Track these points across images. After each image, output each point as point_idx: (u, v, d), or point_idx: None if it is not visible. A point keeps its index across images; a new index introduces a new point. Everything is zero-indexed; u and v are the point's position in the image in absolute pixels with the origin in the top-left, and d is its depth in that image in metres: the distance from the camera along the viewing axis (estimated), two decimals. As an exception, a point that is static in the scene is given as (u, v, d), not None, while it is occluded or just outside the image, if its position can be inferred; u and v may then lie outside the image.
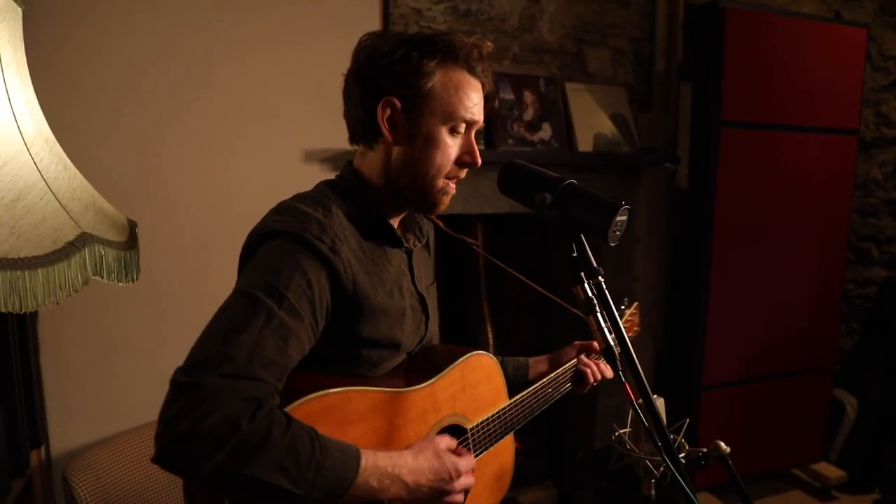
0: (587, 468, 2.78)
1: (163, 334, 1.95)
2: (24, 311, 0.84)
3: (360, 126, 1.02)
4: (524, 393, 1.21)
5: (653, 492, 1.21)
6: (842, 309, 3.05)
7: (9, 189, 0.86)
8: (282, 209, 0.96)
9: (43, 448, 1.78)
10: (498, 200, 2.28)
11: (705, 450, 1.09)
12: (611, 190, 2.58)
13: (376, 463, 0.84)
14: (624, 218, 0.84)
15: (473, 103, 1.00)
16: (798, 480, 2.94)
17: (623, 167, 2.64)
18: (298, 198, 1.00)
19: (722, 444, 1.07)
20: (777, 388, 2.82)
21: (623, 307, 1.47)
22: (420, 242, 1.15)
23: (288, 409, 0.82)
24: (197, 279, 1.96)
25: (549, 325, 2.84)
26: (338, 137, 1.08)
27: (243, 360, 0.77)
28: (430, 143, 0.99)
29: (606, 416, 2.71)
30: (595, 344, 1.37)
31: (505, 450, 1.21)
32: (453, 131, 1.00)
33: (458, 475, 0.95)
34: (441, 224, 1.24)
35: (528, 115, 2.45)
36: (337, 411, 0.89)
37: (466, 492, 1.00)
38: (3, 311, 0.81)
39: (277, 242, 0.90)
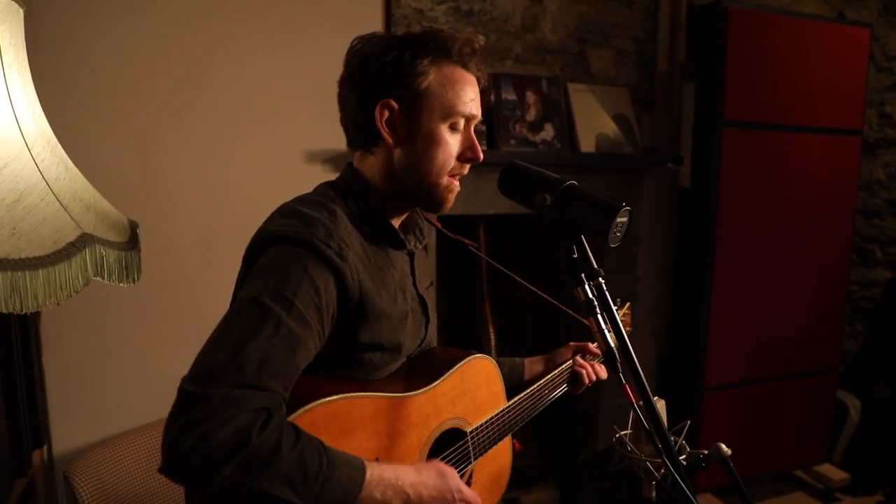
0: (589, 469, 2.78)
1: (164, 334, 1.96)
2: (24, 311, 0.84)
3: (359, 131, 1.01)
4: (521, 395, 1.21)
5: (654, 493, 1.20)
6: (845, 310, 3.04)
7: (10, 190, 0.87)
8: (287, 213, 0.95)
9: (45, 448, 1.79)
10: (499, 201, 2.26)
11: (706, 452, 1.09)
12: (613, 190, 2.57)
13: (381, 475, 0.84)
14: (624, 219, 0.84)
15: (470, 98, 1.00)
16: (801, 482, 2.93)
17: (626, 167, 2.64)
18: (302, 200, 0.99)
19: (723, 446, 1.07)
20: (780, 389, 2.81)
21: (615, 307, 1.47)
22: (421, 244, 1.15)
23: (293, 416, 0.82)
24: (198, 279, 1.97)
25: (551, 325, 2.84)
26: (339, 138, 1.08)
27: (252, 369, 0.76)
28: (431, 142, 0.98)
29: (609, 418, 2.71)
30: (590, 345, 1.37)
31: (503, 451, 1.21)
32: (453, 128, 1.00)
33: (462, 497, 0.94)
34: (439, 225, 1.23)
35: (531, 115, 2.45)
36: (341, 418, 0.89)
37: None
38: (4, 311, 0.82)
39: (285, 248, 0.88)
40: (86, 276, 0.93)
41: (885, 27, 3.17)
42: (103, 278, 0.98)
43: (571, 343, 1.39)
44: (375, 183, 1.03)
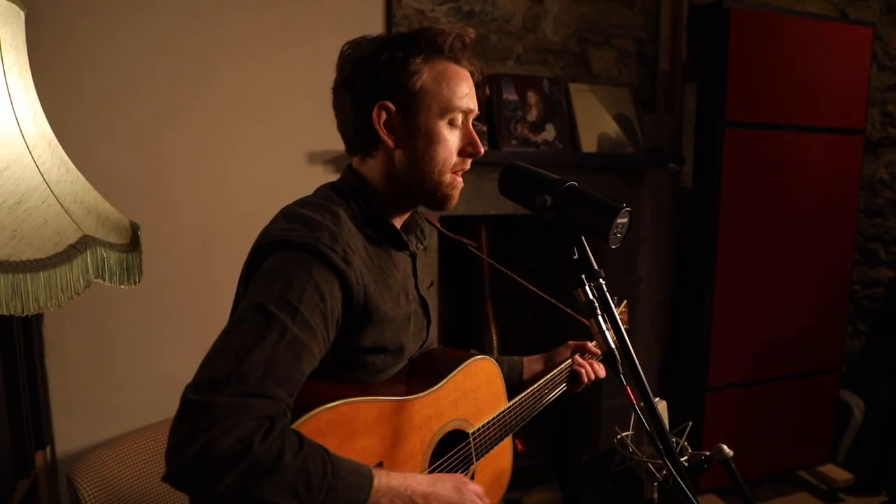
0: (592, 470, 2.77)
1: (166, 335, 1.96)
2: (26, 313, 0.84)
3: (357, 136, 1.01)
4: (522, 395, 1.21)
5: (656, 495, 1.20)
6: (848, 310, 3.03)
7: (11, 192, 0.87)
8: (290, 216, 0.94)
9: (48, 449, 1.79)
10: (501, 202, 2.26)
11: (708, 453, 1.09)
12: (614, 191, 2.57)
13: (389, 483, 0.83)
14: (625, 220, 0.83)
15: (465, 92, 1.00)
16: (804, 483, 2.92)
17: (627, 168, 2.64)
18: (305, 203, 0.98)
19: (725, 447, 1.07)
20: (783, 389, 2.80)
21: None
22: (422, 244, 1.14)
23: (298, 422, 0.82)
24: (199, 281, 1.97)
25: (551, 325, 2.83)
26: (339, 139, 1.08)
27: (256, 378, 0.76)
28: (431, 140, 0.98)
29: (611, 418, 2.70)
30: (589, 344, 1.37)
31: (504, 451, 1.21)
32: (451, 124, 1.00)
33: None
34: (440, 226, 1.23)
35: (532, 115, 2.45)
36: (345, 423, 0.89)
37: None
38: (6, 313, 0.82)
39: (289, 253, 0.88)
40: (87, 278, 0.93)
41: (888, 26, 3.16)
42: (104, 280, 0.98)
43: (570, 342, 1.39)
44: (377, 184, 1.03)
